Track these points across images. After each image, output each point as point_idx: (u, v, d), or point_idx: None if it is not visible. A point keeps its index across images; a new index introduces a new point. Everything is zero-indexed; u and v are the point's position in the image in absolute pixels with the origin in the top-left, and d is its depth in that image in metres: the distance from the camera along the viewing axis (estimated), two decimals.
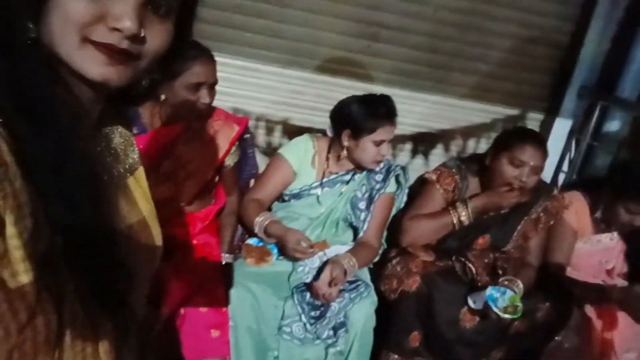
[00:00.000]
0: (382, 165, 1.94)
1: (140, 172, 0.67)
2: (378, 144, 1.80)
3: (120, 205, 0.59)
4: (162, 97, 1.59)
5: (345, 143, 1.83)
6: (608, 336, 1.90)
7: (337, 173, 1.94)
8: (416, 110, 2.72)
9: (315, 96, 2.59)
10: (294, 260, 1.83)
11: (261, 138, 2.71)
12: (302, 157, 1.94)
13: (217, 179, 1.92)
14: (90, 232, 0.48)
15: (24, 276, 0.42)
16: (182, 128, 1.72)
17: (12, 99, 0.44)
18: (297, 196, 1.93)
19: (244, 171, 2.04)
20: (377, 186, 1.95)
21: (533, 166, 1.80)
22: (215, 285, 1.69)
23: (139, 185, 0.66)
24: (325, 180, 1.93)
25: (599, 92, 2.73)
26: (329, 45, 2.55)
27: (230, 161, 1.90)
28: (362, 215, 1.93)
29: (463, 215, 1.82)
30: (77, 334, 0.50)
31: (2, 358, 0.43)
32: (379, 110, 1.80)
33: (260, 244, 1.88)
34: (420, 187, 2.04)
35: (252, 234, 1.91)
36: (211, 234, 1.92)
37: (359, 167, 1.91)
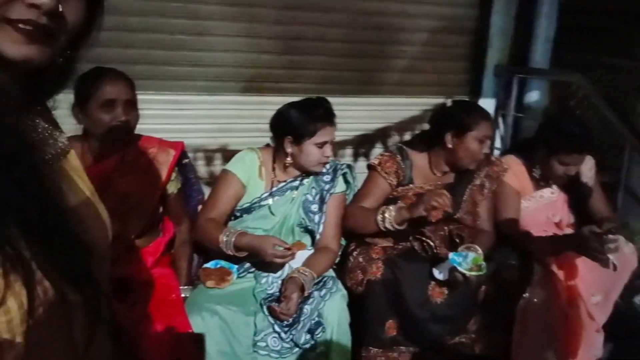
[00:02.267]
0: (328, 166, 1.96)
1: (72, 155, 0.66)
2: (320, 146, 1.82)
3: (59, 188, 0.56)
4: (83, 126, 1.62)
5: (289, 150, 1.84)
6: (572, 283, 1.97)
7: (285, 181, 1.94)
8: (349, 114, 2.78)
9: (249, 117, 2.61)
10: (257, 271, 1.80)
11: (202, 169, 2.68)
12: (249, 170, 1.93)
13: (161, 209, 1.87)
14: (42, 209, 0.47)
15: None
16: (116, 161, 1.67)
17: None
18: (248, 210, 1.91)
19: (191, 198, 2.00)
20: (327, 187, 1.96)
21: (490, 137, 2.00)
22: (177, 313, 1.62)
23: (73, 167, 0.65)
24: (274, 189, 1.92)
25: (513, 67, 2.91)
26: (253, 66, 2.59)
27: (173, 188, 1.85)
28: (316, 218, 1.93)
29: (387, 223, 1.84)
30: (51, 312, 0.49)
31: None
32: (317, 113, 1.83)
33: (218, 265, 1.84)
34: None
35: (208, 260, 1.87)
36: (164, 266, 1.85)
37: (306, 173, 1.92)
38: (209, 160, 2.70)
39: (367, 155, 2.93)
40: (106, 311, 0.59)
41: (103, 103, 1.56)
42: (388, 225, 1.82)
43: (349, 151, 2.92)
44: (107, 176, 1.66)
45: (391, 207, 1.84)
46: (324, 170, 1.95)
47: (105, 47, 2.33)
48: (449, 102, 2.25)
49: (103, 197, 1.61)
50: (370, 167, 2.07)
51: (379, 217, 1.84)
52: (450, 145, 1.95)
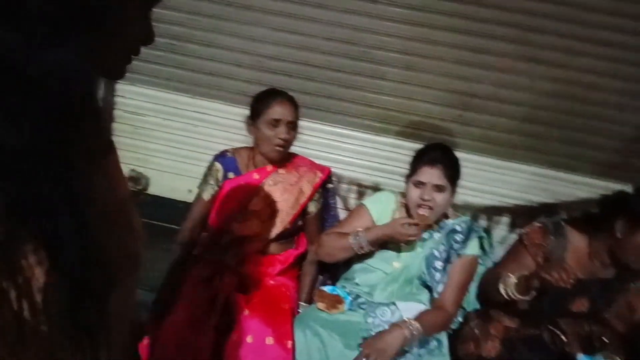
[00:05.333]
0: (463, 225, 1.89)
1: (114, 155, 0.63)
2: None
3: (92, 184, 0.54)
4: (253, 139, 1.87)
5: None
6: None
7: None
8: (510, 180, 2.64)
9: (403, 162, 2.65)
10: (368, 310, 1.80)
11: (352, 201, 2.80)
12: (382, 210, 1.97)
13: (299, 223, 2.02)
14: (57, 211, 0.44)
15: None
16: (271, 171, 1.90)
17: None
18: (373, 254, 1.93)
19: (326, 221, 2.12)
20: (456, 246, 1.88)
21: None
22: (284, 321, 1.72)
23: (112, 167, 0.62)
24: None
25: None
26: (420, 114, 2.65)
27: (313, 208, 2.00)
28: (438, 276, 1.85)
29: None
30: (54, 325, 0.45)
31: None
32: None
33: (334, 291, 1.89)
34: None
35: (331, 284, 1.95)
36: (289, 279, 1.98)
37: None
38: (360, 195, 2.81)
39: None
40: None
41: (270, 121, 1.80)
42: (510, 294, 1.67)
43: (504, 219, 2.75)
44: (260, 181, 1.89)
45: (513, 275, 1.68)
46: (459, 229, 1.88)
47: (289, 76, 2.65)
48: (629, 188, 1.98)
49: (254, 199, 1.87)
50: (518, 237, 1.92)
51: (501, 285, 1.70)
52: (619, 235, 1.70)
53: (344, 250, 1.85)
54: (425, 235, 1.90)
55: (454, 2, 2.48)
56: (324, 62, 2.62)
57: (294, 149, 1.95)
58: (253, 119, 1.85)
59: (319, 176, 1.97)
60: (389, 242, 1.85)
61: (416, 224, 1.75)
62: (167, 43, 2.73)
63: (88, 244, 0.46)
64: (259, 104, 1.83)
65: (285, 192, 1.91)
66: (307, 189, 1.93)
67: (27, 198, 0.42)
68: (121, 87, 2.83)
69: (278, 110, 1.80)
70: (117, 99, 2.85)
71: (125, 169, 2.86)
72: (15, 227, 0.41)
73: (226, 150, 1.94)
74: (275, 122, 1.80)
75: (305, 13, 2.56)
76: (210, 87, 2.77)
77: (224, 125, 2.73)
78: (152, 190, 2.96)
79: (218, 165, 1.90)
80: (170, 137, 2.87)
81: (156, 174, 2.94)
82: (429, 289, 1.88)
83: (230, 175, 1.90)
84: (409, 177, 1.88)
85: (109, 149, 0.60)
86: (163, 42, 2.73)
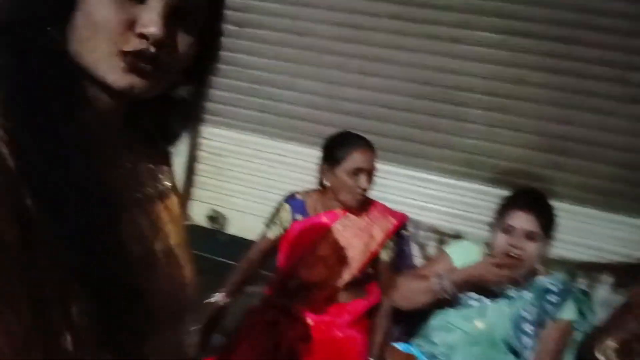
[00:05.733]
0: (559, 285, 1.68)
1: (172, 201, 0.64)
2: None
3: (140, 229, 0.55)
4: (326, 183, 1.76)
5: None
6: None
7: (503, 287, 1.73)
8: (614, 234, 2.34)
9: (490, 210, 2.46)
10: None
11: (431, 250, 2.63)
12: (465, 259, 1.81)
13: (370, 271, 1.91)
14: (99, 253, 0.45)
15: None
16: (340, 215, 1.82)
17: (22, 105, 0.44)
18: (452, 303, 1.77)
19: (401, 270, 1.98)
20: (550, 309, 1.66)
21: None
22: None
23: (168, 213, 0.63)
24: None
25: None
26: (508, 159, 2.47)
27: (385, 256, 1.88)
28: (527, 341, 1.64)
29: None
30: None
31: None
32: None
33: (408, 350, 1.75)
34: None
35: (405, 338, 1.80)
36: (359, 331, 1.86)
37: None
38: (440, 243, 2.64)
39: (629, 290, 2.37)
40: None
41: (351, 170, 1.71)
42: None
43: (606, 278, 2.42)
44: (329, 225, 1.81)
45: (614, 339, 1.44)
46: (554, 289, 1.66)
47: (366, 118, 2.60)
48: None
49: (321, 244, 1.80)
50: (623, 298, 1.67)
51: (599, 351, 1.50)
52: None
53: (424, 294, 1.70)
54: (512, 293, 1.70)
55: (545, 39, 2.32)
56: (402, 104, 2.56)
57: (370, 192, 1.85)
58: (330, 165, 1.78)
59: (392, 222, 1.86)
60: (476, 286, 1.66)
61: (508, 264, 1.58)
62: (249, 87, 2.82)
63: (125, 283, 0.47)
64: (337, 150, 1.76)
65: (355, 238, 1.81)
66: (379, 236, 1.83)
67: (76, 237, 0.44)
68: (206, 129, 2.96)
69: (359, 159, 1.72)
70: (202, 141, 2.97)
71: (206, 208, 2.95)
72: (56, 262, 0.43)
73: (296, 192, 1.91)
74: (357, 172, 1.72)
75: (384, 55, 2.54)
76: (287, 129, 2.81)
77: (300, 167, 2.73)
78: (231, 230, 3.01)
79: (286, 207, 1.87)
80: (249, 178, 2.92)
81: (235, 214, 2.99)
82: (516, 353, 1.66)
83: (298, 217, 1.85)
84: (495, 224, 1.72)
85: (163, 196, 0.62)
86: (246, 86, 2.84)
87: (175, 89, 0.59)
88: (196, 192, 2.97)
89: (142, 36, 0.48)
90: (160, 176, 0.63)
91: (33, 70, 0.46)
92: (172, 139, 0.66)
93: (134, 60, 0.49)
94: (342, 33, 2.63)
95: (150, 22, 0.48)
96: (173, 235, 0.62)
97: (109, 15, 0.47)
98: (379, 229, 1.83)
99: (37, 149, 0.43)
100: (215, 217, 3.01)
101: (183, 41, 0.53)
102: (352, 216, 1.83)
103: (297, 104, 2.76)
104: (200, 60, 0.57)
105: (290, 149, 2.81)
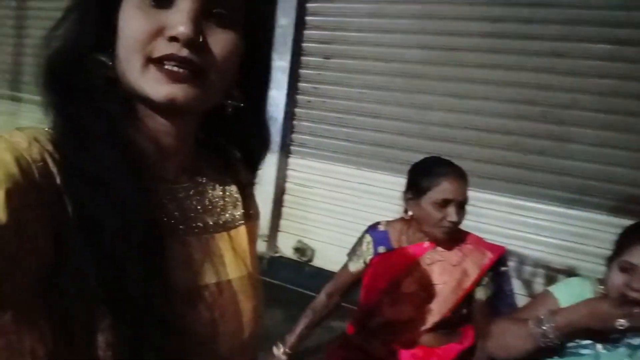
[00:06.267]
0: None
1: (240, 232, 0.60)
2: None
3: (191, 260, 0.52)
4: (409, 213, 1.62)
5: None
6: None
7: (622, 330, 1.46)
8: None
9: (606, 242, 2.15)
10: None
11: (538, 287, 2.35)
12: (574, 299, 1.56)
13: (463, 311, 1.71)
14: (133, 281, 0.43)
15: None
16: (427, 248, 1.66)
17: (71, 128, 0.46)
18: (562, 350, 1.52)
19: (500, 311, 1.76)
20: None
21: None
22: None
23: (233, 245, 0.59)
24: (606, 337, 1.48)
25: None
26: (627, 183, 2.15)
27: (481, 294, 1.68)
28: None
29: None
30: None
31: None
32: None
33: None
34: None
35: None
36: None
37: None
38: (549, 280, 2.35)
39: None
40: None
41: (439, 202, 1.55)
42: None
43: None
44: (414, 260, 1.66)
45: None
46: None
47: (456, 143, 2.43)
48: None
49: (406, 279, 1.66)
50: None
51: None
52: None
53: (523, 341, 1.47)
54: (635, 341, 1.42)
55: None
56: (498, 126, 2.36)
57: (465, 223, 1.67)
58: (415, 195, 1.64)
59: (488, 257, 1.65)
60: (588, 331, 1.40)
61: (630, 303, 1.29)
62: (336, 117, 2.80)
63: (161, 316, 0.45)
64: (424, 179, 1.60)
65: (445, 274, 1.64)
66: (473, 271, 1.63)
67: (111, 262, 0.42)
68: (293, 160, 2.97)
69: (448, 189, 1.54)
70: (289, 172, 2.99)
71: (293, 240, 2.93)
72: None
73: (378, 222, 1.78)
74: (445, 203, 1.57)
75: (477, 75, 2.37)
76: (374, 158, 2.74)
77: (387, 196, 2.62)
78: (317, 262, 2.95)
79: (368, 238, 1.75)
80: (335, 209, 2.87)
81: (321, 246, 2.94)
82: None
83: (381, 249, 1.72)
84: (612, 258, 1.46)
85: (229, 227, 0.59)
86: (333, 116, 2.82)
87: (231, 101, 0.55)
88: (283, 223, 2.97)
89: (173, 39, 0.47)
90: (230, 206, 0.60)
91: (82, 96, 0.47)
92: (252, 165, 0.63)
93: (168, 67, 0.47)
94: (430, 56, 2.52)
95: (178, 22, 0.46)
96: (234, 268, 0.57)
97: (137, 26, 0.47)
98: (472, 264, 1.64)
99: (82, 170, 0.43)
100: (301, 249, 2.98)
101: (219, 41, 0.49)
102: (441, 249, 1.66)
103: (385, 131, 2.68)
104: (251, 67, 0.55)
105: (378, 178, 2.72)
